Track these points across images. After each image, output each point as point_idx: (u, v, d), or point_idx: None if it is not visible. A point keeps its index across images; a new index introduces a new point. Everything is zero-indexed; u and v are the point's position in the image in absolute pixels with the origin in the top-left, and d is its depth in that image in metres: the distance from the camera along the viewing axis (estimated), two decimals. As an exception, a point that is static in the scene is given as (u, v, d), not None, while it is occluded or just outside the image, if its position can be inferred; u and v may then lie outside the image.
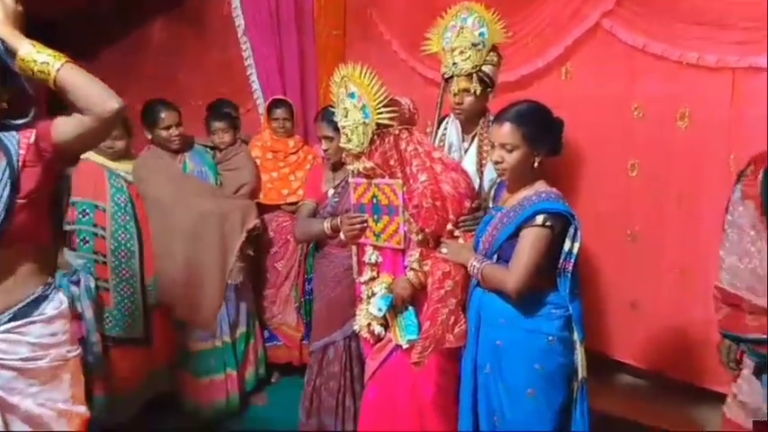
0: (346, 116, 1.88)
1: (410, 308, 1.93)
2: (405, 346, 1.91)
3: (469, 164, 2.13)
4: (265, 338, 3.09)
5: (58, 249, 1.57)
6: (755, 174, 1.64)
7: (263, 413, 2.88)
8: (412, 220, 1.88)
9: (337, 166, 2.34)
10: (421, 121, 2.08)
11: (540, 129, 1.70)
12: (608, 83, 2.58)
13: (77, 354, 1.50)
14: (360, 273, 2.07)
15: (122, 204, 2.61)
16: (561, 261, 1.67)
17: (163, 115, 2.67)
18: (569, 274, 1.67)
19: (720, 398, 2.22)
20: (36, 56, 1.29)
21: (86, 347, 2.16)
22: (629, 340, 2.74)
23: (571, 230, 1.66)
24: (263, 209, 2.96)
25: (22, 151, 1.34)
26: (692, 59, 2.29)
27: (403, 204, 1.88)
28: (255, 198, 2.94)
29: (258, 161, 3.01)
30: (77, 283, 2.16)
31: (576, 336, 1.71)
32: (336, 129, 2.00)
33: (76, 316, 2.11)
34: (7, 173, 1.32)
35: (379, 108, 1.81)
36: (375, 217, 1.97)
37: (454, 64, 2.09)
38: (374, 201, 1.95)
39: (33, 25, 1.36)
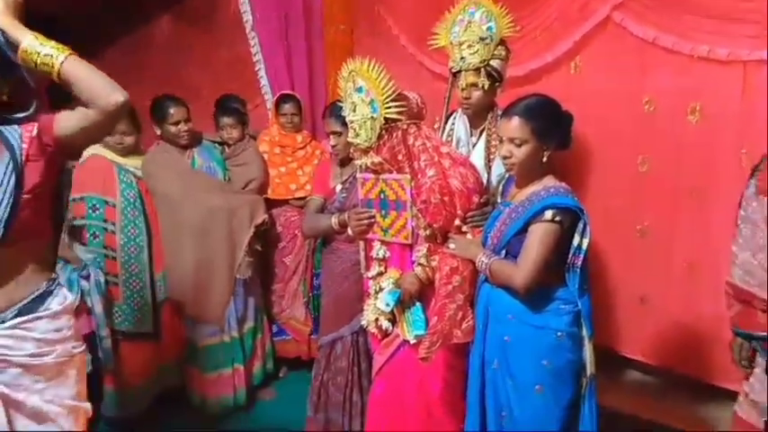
0: (354, 111, 1.87)
1: (417, 303, 1.92)
2: (412, 342, 1.90)
3: (477, 159, 2.12)
4: (274, 333, 3.10)
5: (57, 244, 1.57)
6: None
7: (271, 408, 2.89)
8: (420, 215, 1.88)
9: (345, 161, 2.34)
10: (429, 116, 2.07)
11: (550, 123, 1.68)
12: (618, 77, 2.55)
13: (83, 350, 1.50)
14: (367, 268, 2.07)
15: (132, 200, 2.62)
16: (570, 256, 1.65)
17: (171, 111, 2.68)
18: (578, 270, 1.66)
19: (731, 395, 2.20)
20: (39, 48, 1.27)
21: (96, 342, 2.20)
22: (638, 336, 2.73)
23: (580, 225, 1.64)
24: (270, 204, 2.97)
25: (24, 145, 1.32)
26: (702, 53, 2.26)
27: (411, 199, 1.88)
28: (264, 193, 2.95)
29: (266, 156, 3.02)
30: (87, 277, 2.20)
31: (584, 332, 1.70)
32: (345, 124, 1.99)
33: (86, 310, 2.15)
34: (11, 167, 1.30)
35: (388, 103, 1.80)
36: (383, 212, 1.96)
37: (462, 58, 2.08)
38: (382, 196, 1.95)
39: (33, 20, 1.34)
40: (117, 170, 2.62)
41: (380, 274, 1.98)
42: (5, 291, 1.36)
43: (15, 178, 1.29)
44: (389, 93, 1.80)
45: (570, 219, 1.65)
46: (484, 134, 2.16)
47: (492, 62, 2.07)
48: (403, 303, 1.91)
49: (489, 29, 2.04)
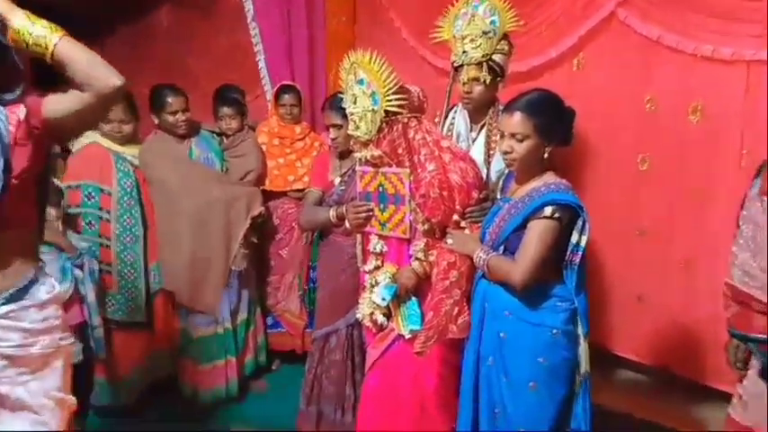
0: (355, 103, 1.86)
1: (413, 298, 1.91)
2: (407, 336, 1.90)
3: (477, 154, 2.10)
4: (269, 325, 3.09)
5: (43, 230, 1.53)
6: None
7: (263, 400, 2.88)
8: (418, 209, 1.87)
9: (344, 154, 2.32)
10: (429, 110, 2.06)
11: (552, 119, 1.67)
12: (621, 75, 2.54)
13: (69, 342, 1.45)
14: (364, 261, 2.06)
15: (128, 189, 2.61)
16: (568, 253, 1.64)
17: (170, 100, 2.65)
18: (576, 267, 1.65)
19: (724, 397, 2.20)
20: (31, 28, 1.22)
21: (88, 330, 2.18)
22: (632, 335, 2.73)
23: (579, 223, 1.63)
24: (268, 195, 2.96)
25: (11, 128, 1.27)
26: (706, 52, 2.25)
27: (409, 194, 1.86)
28: (261, 185, 2.93)
29: (264, 147, 3.00)
30: (81, 266, 2.18)
31: (580, 329, 1.69)
32: (345, 117, 1.98)
33: (79, 299, 2.13)
34: None
35: (389, 95, 1.79)
36: (381, 206, 1.95)
37: (464, 52, 2.06)
38: (380, 189, 1.93)
39: (30, 8, 1.28)
40: (114, 159, 2.60)
41: (377, 267, 1.97)
42: None
43: (4, 162, 1.25)
44: (391, 85, 1.78)
45: (569, 216, 1.63)
46: (484, 129, 2.14)
47: (494, 56, 2.05)
48: (399, 298, 1.90)
49: (493, 23, 2.02)
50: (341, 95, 1.95)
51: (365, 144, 1.88)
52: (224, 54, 4.09)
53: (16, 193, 1.28)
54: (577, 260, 1.64)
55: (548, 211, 1.62)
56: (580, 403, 1.71)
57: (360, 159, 1.94)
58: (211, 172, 2.79)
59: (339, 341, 2.30)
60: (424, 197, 1.84)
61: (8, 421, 1.34)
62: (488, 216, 1.83)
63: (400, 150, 1.86)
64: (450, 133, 2.20)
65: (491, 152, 2.08)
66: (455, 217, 1.87)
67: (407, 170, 1.85)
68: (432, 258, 1.87)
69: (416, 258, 1.89)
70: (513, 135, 1.66)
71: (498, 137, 1.87)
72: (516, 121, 1.65)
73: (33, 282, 1.38)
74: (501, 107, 2.07)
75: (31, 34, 1.22)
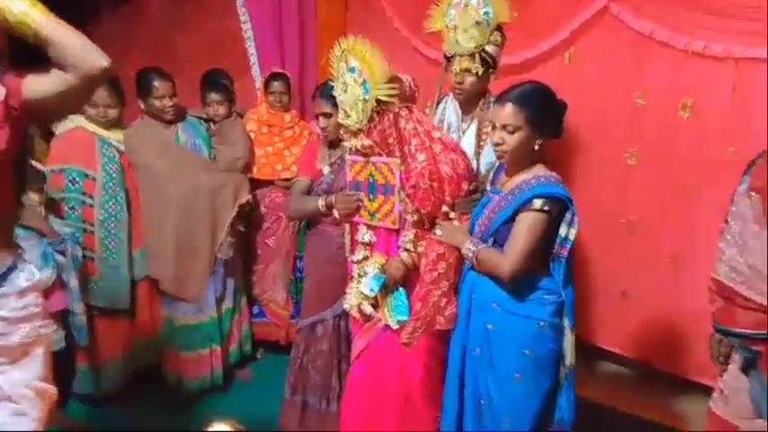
0: (346, 91, 1.83)
1: (401, 289, 1.91)
2: (395, 327, 1.89)
3: (468, 145, 2.10)
4: (254, 314, 3.07)
5: (19, 216, 1.49)
6: (765, 166, 1.61)
7: (248, 389, 2.88)
8: (408, 200, 1.86)
9: (334, 143, 2.30)
10: (421, 100, 2.04)
11: (543, 111, 1.66)
12: (612, 69, 2.55)
13: (50, 330, 1.42)
14: (352, 251, 2.04)
15: (114, 174, 2.56)
16: (557, 246, 1.65)
17: (156, 84, 2.60)
18: (564, 260, 1.65)
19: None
20: (11, 4, 1.17)
21: (70, 317, 2.15)
22: (616, 329, 2.75)
23: (568, 216, 1.63)
24: (255, 184, 2.92)
25: None
26: (697, 48, 2.26)
27: (400, 184, 1.85)
28: (248, 173, 2.90)
29: (253, 135, 2.96)
30: (63, 252, 2.14)
31: (566, 322, 1.70)
32: (335, 105, 1.95)
33: (61, 286, 2.09)
34: None
35: (380, 84, 1.77)
36: (371, 196, 1.93)
37: (457, 43, 2.04)
38: (370, 179, 1.92)
39: None
40: (99, 143, 2.55)
41: (365, 258, 1.95)
42: None
43: None
44: (383, 74, 1.76)
45: (559, 208, 1.64)
46: (475, 120, 2.13)
47: (487, 48, 2.04)
48: (387, 288, 1.89)
49: (486, 14, 2.01)
50: (332, 83, 1.93)
51: (355, 133, 1.86)
52: (213, 39, 4.02)
53: None
54: (565, 253, 1.64)
55: (537, 203, 1.62)
56: (564, 395, 1.72)
57: (350, 148, 1.92)
58: (198, 158, 2.75)
59: (326, 331, 2.29)
60: (415, 188, 1.83)
61: None
62: (478, 208, 1.83)
63: (391, 140, 1.84)
64: (441, 124, 2.19)
65: (482, 143, 2.07)
66: (444, 208, 1.87)
67: (398, 160, 1.84)
68: (420, 249, 1.87)
69: (405, 249, 1.88)
70: (504, 126, 1.66)
71: (489, 128, 1.87)
72: (508, 112, 1.65)
73: (12, 269, 1.34)
74: (492, 99, 2.06)
75: (11, 12, 1.18)
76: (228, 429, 1.47)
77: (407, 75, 1.94)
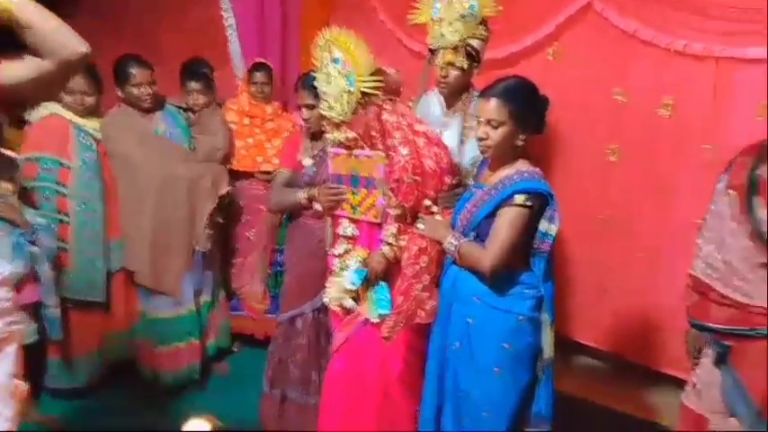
0: (329, 83, 1.81)
1: (383, 283, 1.89)
2: (376, 321, 1.88)
3: (451, 139, 2.09)
4: (232, 307, 3.04)
5: None
6: (744, 165, 1.64)
7: (225, 383, 2.85)
8: (391, 194, 1.84)
9: (316, 135, 2.27)
10: (404, 93, 2.02)
11: (527, 106, 1.67)
12: (594, 66, 2.57)
13: (21, 327, 1.38)
14: (333, 245, 2.02)
15: (89, 163, 2.51)
16: (537, 241, 1.66)
17: (134, 72, 2.55)
18: (545, 255, 1.66)
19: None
20: None
21: (43, 310, 2.09)
22: (593, 323, 2.79)
23: (549, 211, 1.64)
24: (234, 176, 2.89)
25: None
26: (679, 47, 2.29)
27: (383, 178, 1.84)
28: (228, 164, 2.86)
29: (233, 126, 2.92)
30: (36, 243, 2.08)
31: (545, 316, 1.71)
32: (318, 96, 1.92)
33: (34, 278, 2.03)
34: None
35: (365, 76, 1.74)
36: (353, 189, 1.91)
37: (441, 35, 2.03)
38: (353, 172, 1.90)
39: None
40: (75, 131, 2.49)
41: (347, 251, 1.94)
42: None
43: None
44: (368, 66, 1.74)
45: (540, 204, 1.64)
46: (459, 114, 2.13)
47: (472, 41, 2.03)
48: (369, 282, 1.88)
49: (471, 7, 1.99)
50: (314, 74, 1.90)
51: (338, 125, 1.84)
52: (195, 28, 3.96)
53: None
54: (546, 248, 1.66)
55: (519, 198, 1.63)
56: (543, 388, 1.74)
57: (332, 141, 1.90)
58: (176, 148, 2.70)
59: (305, 325, 2.27)
60: (398, 182, 1.82)
61: None
62: (460, 202, 1.83)
63: (374, 133, 1.83)
64: (424, 117, 2.17)
65: (465, 138, 2.07)
66: (427, 202, 1.86)
67: (381, 154, 1.82)
68: (402, 243, 1.86)
69: (387, 243, 1.87)
70: (488, 121, 1.66)
71: (473, 122, 1.86)
72: (492, 107, 1.65)
73: None
74: (476, 93, 2.06)
75: None
76: (208, 426, 1.44)
77: (392, 67, 1.92)
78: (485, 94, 1.69)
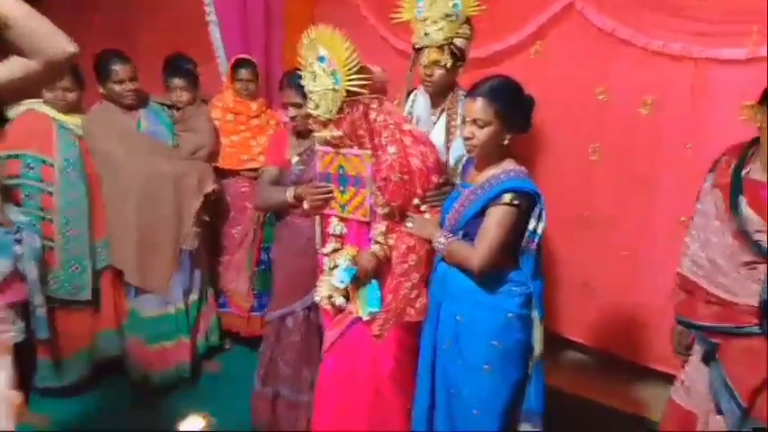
0: (315, 81, 1.80)
1: (373, 281, 1.91)
2: (366, 319, 1.90)
3: (437, 138, 2.10)
4: (220, 305, 3.03)
5: None
6: (728, 164, 1.68)
7: (216, 381, 2.85)
8: (378, 192, 1.85)
9: (303, 133, 2.27)
10: (389, 92, 2.03)
11: (513, 106, 1.68)
12: (575, 65, 2.59)
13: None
14: (323, 244, 2.03)
15: (72, 160, 2.48)
16: (525, 240, 1.68)
17: (116, 68, 2.52)
18: (533, 254, 1.69)
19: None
20: None
21: (30, 309, 2.06)
22: (579, 319, 2.83)
23: (536, 210, 1.66)
24: (220, 173, 2.86)
25: None
26: (656, 47, 2.32)
27: (370, 176, 1.85)
28: (213, 162, 2.83)
29: (218, 123, 2.90)
30: (21, 241, 2.05)
31: (535, 313, 1.73)
32: (304, 95, 1.92)
33: (19, 277, 2.01)
34: None
35: (351, 75, 1.75)
36: (341, 188, 1.92)
37: (426, 34, 2.04)
38: (341, 171, 1.91)
39: None
40: (57, 128, 2.46)
41: (336, 250, 1.95)
42: None
43: None
44: (353, 64, 1.74)
45: (528, 203, 1.67)
46: (444, 113, 2.14)
47: (456, 40, 2.04)
48: (359, 280, 1.89)
49: (455, 6, 2.00)
50: (299, 72, 1.90)
51: (324, 124, 1.84)
52: (177, 23, 3.91)
53: None
54: (534, 246, 1.68)
55: (506, 197, 1.65)
56: (533, 385, 1.76)
57: (319, 139, 1.90)
58: (159, 145, 2.67)
59: (296, 323, 2.28)
60: (386, 180, 1.82)
61: None
62: (448, 201, 1.84)
63: (361, 132, 1.83)
64: (410, 116, 2.19)
65: (451, 137, 2.08)
66: (415, 201, 1.87)
67: (369, 152, 1.83)
68: (391, 242, 1.87)
69: (376, 241, 1.88)
70: (474, 121, 1.67)
71: (459, 121, 1.88)
72: (478, 107, 1.66)
73: None
74: (461, 92, 2.08)
75: None
76: (202, 424, 1.45)
77: (377, 66, 1.92)
78: (471, 93, 1.71)
